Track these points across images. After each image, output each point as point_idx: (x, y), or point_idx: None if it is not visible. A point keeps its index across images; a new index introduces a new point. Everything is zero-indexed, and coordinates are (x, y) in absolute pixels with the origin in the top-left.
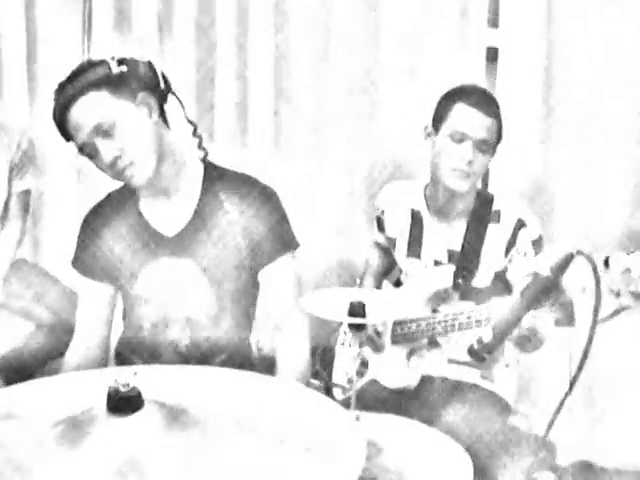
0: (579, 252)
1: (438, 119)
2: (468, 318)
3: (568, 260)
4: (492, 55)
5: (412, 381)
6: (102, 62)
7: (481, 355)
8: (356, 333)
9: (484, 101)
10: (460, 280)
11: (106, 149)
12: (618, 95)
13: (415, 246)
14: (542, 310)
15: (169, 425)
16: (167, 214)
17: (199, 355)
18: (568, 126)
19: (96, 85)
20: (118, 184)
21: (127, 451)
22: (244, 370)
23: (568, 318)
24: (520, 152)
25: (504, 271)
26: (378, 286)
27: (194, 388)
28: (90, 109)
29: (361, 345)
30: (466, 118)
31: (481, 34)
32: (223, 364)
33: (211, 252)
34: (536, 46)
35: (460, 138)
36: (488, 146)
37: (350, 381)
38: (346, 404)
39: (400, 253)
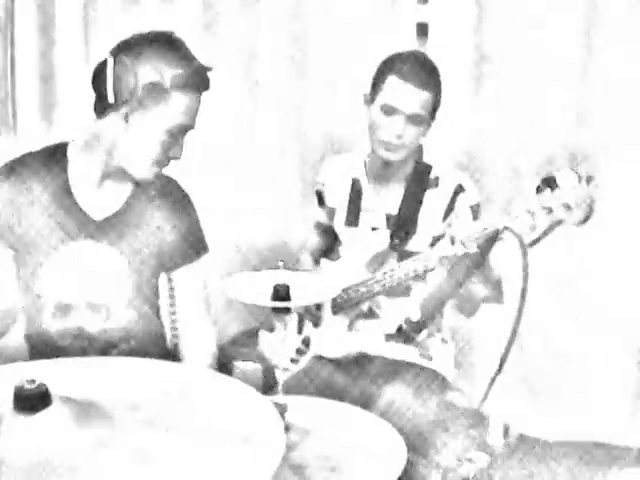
0: (506, 228)
1: (374, 89)
2: (405, 273)
3: (495, 236)
4: (422, 31)
5: (352, 349)
6: None
7: (410, 334)
8: (280, 316)
9: (419, 73)
10: (397, 242)
11: None
12: (547, 68)
13: (353, 214)
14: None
15: (79, 421)
16: (98, 198)
17: (107, 342)
18: (498, 99)
19: None
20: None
21: (37, 451)
22: (157, 358)
23: (497, 295)
24: (451, 124)
25: (442, 236)
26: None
27: (102, 380)
28: None
29: (300, 327)
30: (398, 92)
31: (411, 10)
32: (132, 352)
33: (135, 242)
34: (466, 21)
35: (391, 112)
36: (421, 118)
37: (293, 361)
38: (285, 386)
39: (339, 223)
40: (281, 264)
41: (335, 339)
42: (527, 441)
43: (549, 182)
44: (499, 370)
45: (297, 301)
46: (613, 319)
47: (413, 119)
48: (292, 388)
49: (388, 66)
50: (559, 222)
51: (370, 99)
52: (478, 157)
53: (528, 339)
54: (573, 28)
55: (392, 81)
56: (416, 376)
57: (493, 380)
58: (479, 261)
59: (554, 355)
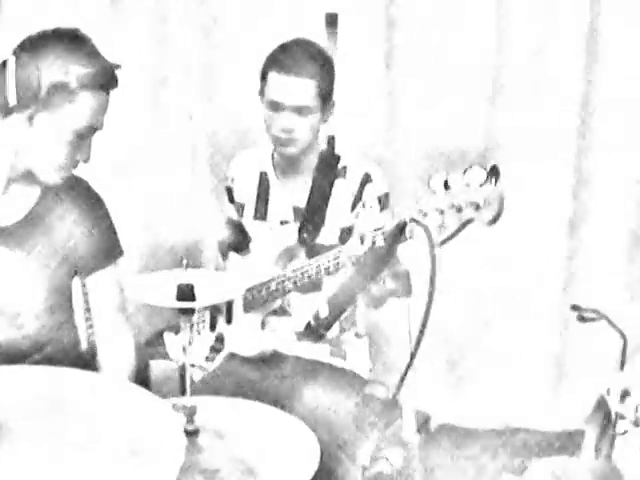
0: (412, 220)
1: (261, 85)
2: (317, 267)
3: (401, 228)
4: (331, 21)
5: (266, 347)
6: None
7: (319, 331)
8: (186, 317)
9: (298, 63)
10: (305, 235)
11: None
12: (460, 55)
13: (261, 208)
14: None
15: None
16: (5, 203)
17: (19, 350)
18: (410, 87)
19: None
20: None
21: None
22: (71, 366)
23: (405, 288)
24: (363, 113)
25: (351, 227)
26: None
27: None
28: None
29: (213, 324)
30: (279, 86)
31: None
32: (46, 360)
33: (45, 248)
34: (376, 10)
35: (276, 107)
36: (309, 109)
37: (208, 359)
38: (201, 386)
39: (248, 217)
40: (184, 263)
41: (249, 337)
42: (449, 429)
43: (457, 180)
44: (411, 362)
45: (202, 300)
46: (533, 306)
47: (300, 111)
48: (207, 387)
49: (269, 60)
50: (469, 221)
51: (261, 96)
52: (390, 147)
53: (449, 328)
54: (486, 22)
55: (273, 76)
56: (330, 375)
57: (405, 372)
58: (386, 254)
59: (474, 344)
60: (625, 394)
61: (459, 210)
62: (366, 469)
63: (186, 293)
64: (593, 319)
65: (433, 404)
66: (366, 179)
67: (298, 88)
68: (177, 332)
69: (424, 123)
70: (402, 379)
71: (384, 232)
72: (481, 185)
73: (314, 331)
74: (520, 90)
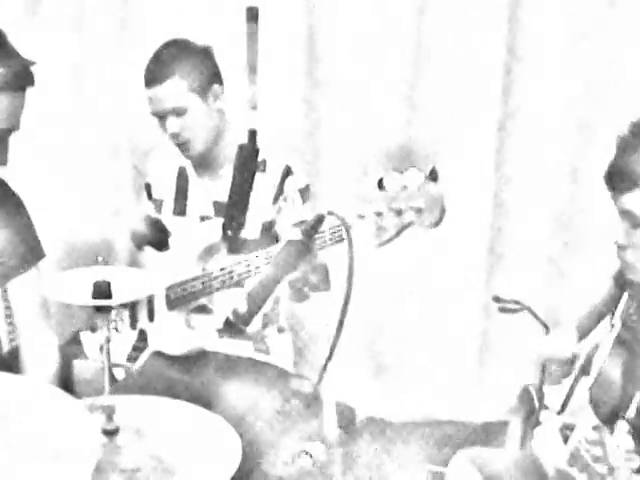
0: (330, 213)
1: None
2: (247, 267)
3: (319, 222)
4: (252, 15)
5: (191, 345)
6: None
7: (238, 327)
8: (102, 315)
9: (156, 67)
10: (229, 232)
11: None
12: (380, 43)
13: (181, 203)
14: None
15: None
16: None
17: None
18: (333, 77)
19: None
20: None
21: None
22: None
23: (323, 283)
24: (284, 106)
25: (272, 221)
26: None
27: None
28: None
29: (134, 322)
30: (150, 99)
31: None
32: None
33: None
34: (296, 2)
35: (158, 116)
36: (185, 108)
37: (130, 358)
38: (125, 385)
39: (167, 213)
40: (100, 260)
41: (174, 335)
42: (374, 423)
43: (394, 181)
44: (330, 356)
45: (118, 298)
46: (455, 299)
47: (178, 112)
48: (131, 386)
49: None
50: (409, 224)
51: None
52: (312, 139)
53: (372, 322)
54: (406, 19)
55: (145, 92)
56: (254, 370)
57: (325, 366)
58: (304, 248)
59: (397, 337)
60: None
61: (399, 213)
62: (287, 465)
63: (102, 291)
64: (515, 310)
65: (358, 398)
66: (287, 172)
67: (165, 93)
68: (95, 330)
69: (347, 118)
70: (322, 373)
71: (302, 225)
72: (421, 188)
73: (233, 327)
74: (439, 84)
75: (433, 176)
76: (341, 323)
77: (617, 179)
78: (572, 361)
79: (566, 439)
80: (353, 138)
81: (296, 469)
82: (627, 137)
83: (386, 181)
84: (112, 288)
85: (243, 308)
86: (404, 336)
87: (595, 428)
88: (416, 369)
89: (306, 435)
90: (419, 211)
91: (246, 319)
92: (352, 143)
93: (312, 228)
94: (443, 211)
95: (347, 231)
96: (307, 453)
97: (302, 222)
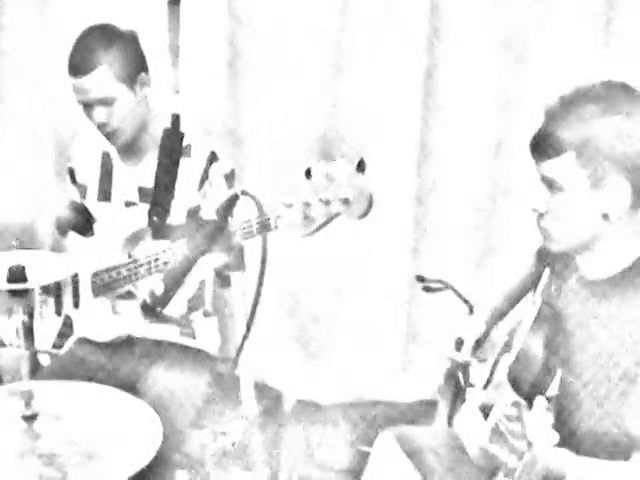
0: (244, 192)
1: None
2: (174, 254)
3: (233, 201)
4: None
5: (119, 332)
6: None
7: (155, 309)
8: (19, 300)
9: (79, 59)
10: (155, 218)
11: None
12: (302, 32)
13: (105, 188)
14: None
15: None
16: None
17: None
18: (255, 64)
19: None
20: None
21: None
22: None
23: (238, 263)
24: (208, 91)
25: (198, 207)
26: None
27: None
28: None
29: (58, 308)
30: (76, 89)
31: None
32: None
33: None
34: None
35: (85, 105)
36: (110, 97)
37: (56, 345)
38: (50, 371)
39: (91, 199)
40: (15, 244)
41: (100, 322)
42: (302, 405)
43: (321, 171)
44: (246, 336)
45: (35, 281)
46: (381, 278)
47: (105, 102)
48: (56, 372)
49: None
50: (336, 215)
51: None
52: (238, 126)
53: (302, 309)
54: (327, 5)
55: (70, 80)
56: (180, 356)
57: (241, 346)
58: (218, 228)
59: (324, 318)
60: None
61: (327, 204)
62: (207, 447)
63: (17, 275)
64: (439, 289)
65: (287, 382)
66: (212, 157)
67: (91, 83)
68: (10, 315)
69: (270, 102)
70: (238, 353)
71: (217, 207)
72: (350, 179)
73: (150, 309)
74: (361, 68)
75: (361, 167)
76: (256, 304)
77: (541, 146)
78: (484, 338)
79: (487, 416)
80: (280, 127)
81: (215, 450)
82: (555, 107)
83: (314, 171)
84: (27, 272)
85: (159, 290)
86: (332, 320)
87: (514, 404)
88: (344, 351)
89: (225, 416)
90: (346, 202)
91: (163, 301)
92: (279, 132)
93: (226, 209)
94: (370, 202)
95: (260, 211)
96: (225, 434)
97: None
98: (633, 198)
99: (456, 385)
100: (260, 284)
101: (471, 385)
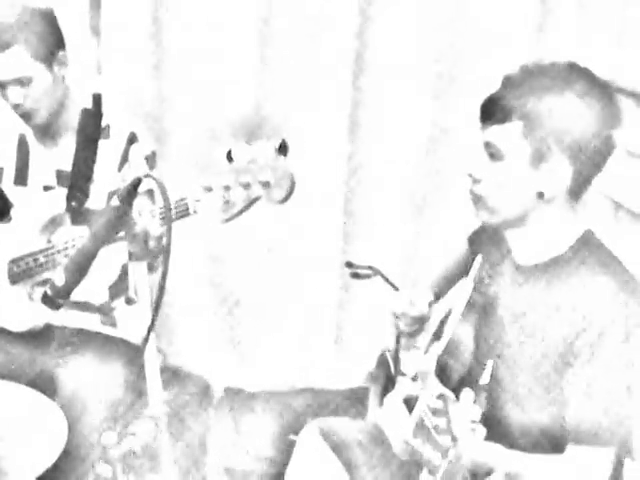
0: (147, 175)
1: None
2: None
3: (135, 186)
4: None
5: (39, 320)
6: None
7: (56, 301)
8: None
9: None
10: (74, 203)
11: None
12: (226, 13)
13: (21, 172)
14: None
15: None
16: None
17: None
18: (181, 43)
19: None
20: None
21: None
22: None
23: (143, 251)
24: (127, 72)
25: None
26: None
27: None
28: None
29: None
30: None
31: None
32: None
33: None
34: None
35: (1, 86)
36: (25, 77)
37: None
38: None
39: (7, 183)
40: None
41: (17, 311)
42: (233, 394)
43: (242, 153)
44: (152, 325)
45: None
46: (311, 265)
47: (21, 83)
48: None
49: None
50: (257, 199)
51: None
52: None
53: (229, 296)
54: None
55: None
56: (101, 344)
57: (148, 334)
58: (121, 215)
59: (255, 309)
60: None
61: (247, 187)
62: (112, 448)
63: None
64: (368, 276)
65: (215, 370)
66: (132, 138)
67: (6, 62)
68: None
69: (192, 82)
70: (145, 341)
71: (120, 191)
72: (270, 162)
73: (52, 300)
74: (286, 48)
75: (283, 150)
76: (161, 293)
77: (491, 110)
78: (422, 320)
79: (412, 409)
80: (201, 107)
81: (122, 452)
82: (514, 74)
83: (235, 153)
84: None
85: (60, 280)
86: (261, 306)
87: (439, 397)
88: (274, 339)
89: (132, 414)
90: (267, 185)
91: (65, 291)
92: (200, 112)
93: (129, 193)
94: (292, 186)
95: (164, 194)
96: (133, 434)
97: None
98: (573, 182)
99: (387, 372)
100: (165, 273)
101: (402, 374)
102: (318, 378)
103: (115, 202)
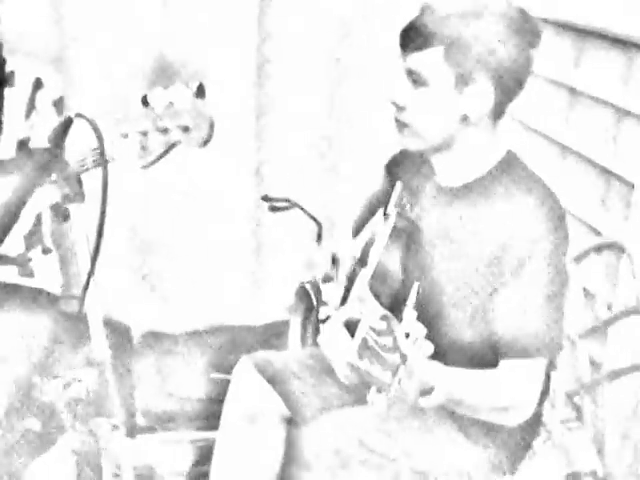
0: (79, 115)
1: None
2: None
3: (66, 126)
4: None
5: None
6: None
7: None
8: None
9: None
10: None
11: None
12: None
13: None
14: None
15: None
16: None
17: None
18: None
19: None
20: None
21: None
22: None
23: (76, 193)
24: (29, 14)
25: (27, 139)
26: None
27: None
28: None
29: None
30: None
31: None
32: None
33: None
34: None
35: None
36: None
37: None
38: None
39: None
40: None
41: None
42: (153, 337)
43: (159, 97)
44: (91, 271)
45: None
46: (225, 200)
47: None
48: None
49: None
50: (176, 143)
51: None
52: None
53: (145, 240)
54: None
55: None
56: (20, 297)
57: (87, 283)
58: (52, 156)
59: (172, 251)
60: (327, 279)
61: (165, 132)
62: (58, 396)
63: None
64: (285, 208)
65: (134, 315)
66: (37, 84)
67: None
68: None
69: (100, 25)
70: (84, 291)
71: (49, 133)
72: (188, 105)
73: None
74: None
75: (200, 92)
76: (99, 238)
77: (412, 37)
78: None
79: (352, 333)
80: (113, 50)
81: (67, 399)
82: (433, 1)
83: (151, 98)
84: None
85: None
86: (176, 248)
87: (383, 318)
88: (191, 279)
89: (76, 361)
90: (186, 129)
91: None
92: (112, 56)
93: (59, 135)
94: (212, 129)
95: (97, 134)
96: (79, 380)
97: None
98: (495, 104)
99: (307, 304)
100: (102, 217)
101: (324, 303)
102: (236, 315)
103: (44, 145)
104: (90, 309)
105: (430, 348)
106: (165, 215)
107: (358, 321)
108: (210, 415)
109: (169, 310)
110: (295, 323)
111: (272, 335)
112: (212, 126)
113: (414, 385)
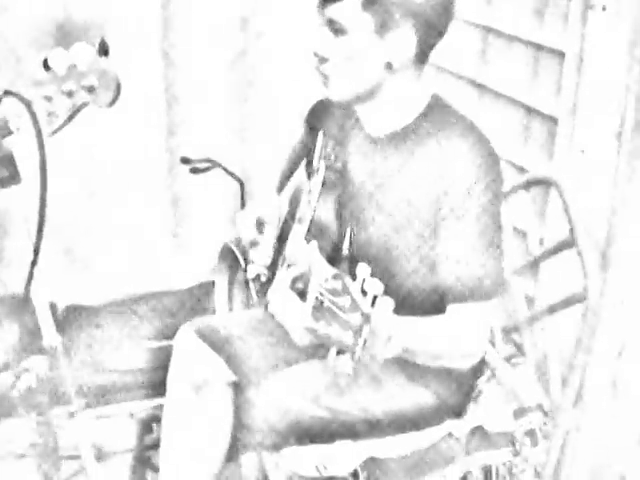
0: (8, 93)
1: None
2: None
3: None
4: None
5: None
6: None
7: None
8: None
9: None
10: None
11: None
12: None
13: None
14: None
15: None
16: None
17: None
18: None
19: None
20: None
21: None
22: None
23: (11, 174)
24: None
25: None
26: None
27: None
28: None
29: None
30: None
31: None
32: None
33: None
34: None
35: None
36: None
37: None
38: None
39: None
40: None
41: None
42: (77, 311)
43: (60, 59)
44: (34, 260)
45: None
46: (140, 172)
47: None
48: None
49: None
50: (83, 105)
51: None
52: None
53: (60, 213)
54: None
55: None
56: None
57: (32, 266)
58: None
59: (87, 220)
60: (253, 244)
61: (70, 95)
62: (11, 388)
63: None
64: (206, 168)
65: (55, 291)
66: None
67: None
68: None
69: None
70: (29, 279)
71: None
72: (92, 65)
73: None
74: None
75: (103, 49)
76: (41, 223)
77: None
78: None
79: (301, 294)
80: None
81: (20, 390)
82: None
83: (51, 60)
84: None
85: None
86: (92, 217)
87: (335, 277)
88: (109, 248)
89: (23, 350)
90: (92, 90)
91: None
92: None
93: None
94: (119, 87)
95: (32, 114)
96: (27, 370)
97: None
98: (418, 50)
99: (233, 264)
100: (43, 198)
101: (251, 262)
102: (159, 281)
103: None
104: (35, 295)
105: (391, 304)
106: (77, 183)
107: (306, 281)
108: (154, 384)
109: (89, 281)
110: (221, 284)
111: (197, 298)
112: (119, 84)
113: (380, 344)
